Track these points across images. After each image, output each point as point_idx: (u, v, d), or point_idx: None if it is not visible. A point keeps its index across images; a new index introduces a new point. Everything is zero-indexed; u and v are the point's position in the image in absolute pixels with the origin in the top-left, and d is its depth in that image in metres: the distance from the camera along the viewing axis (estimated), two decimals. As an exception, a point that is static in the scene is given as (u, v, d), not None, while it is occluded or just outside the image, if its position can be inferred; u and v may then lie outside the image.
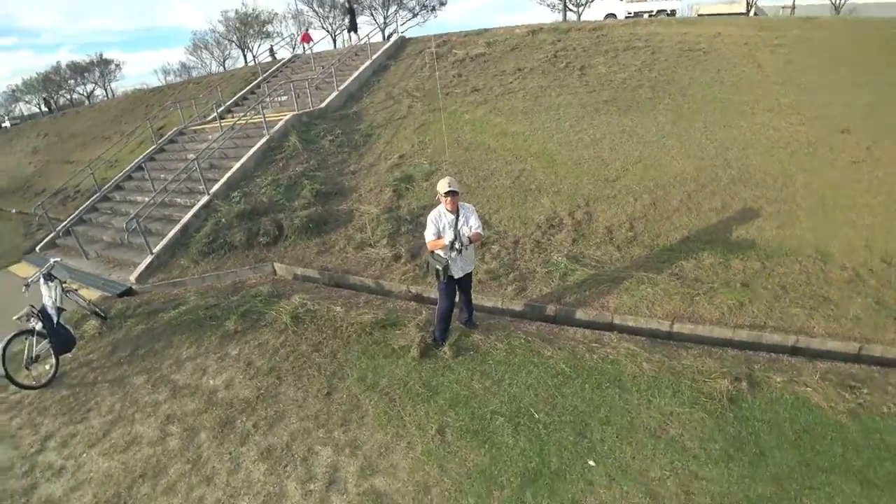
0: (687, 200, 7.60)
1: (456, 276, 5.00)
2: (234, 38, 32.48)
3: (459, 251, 4.72)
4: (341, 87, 13.11)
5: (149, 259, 8.87)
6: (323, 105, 12.55)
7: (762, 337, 5.60)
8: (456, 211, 4.79)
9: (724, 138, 8.74)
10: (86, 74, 40.61)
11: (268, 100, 14.00)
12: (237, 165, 10.39)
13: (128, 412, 5.43)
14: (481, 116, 10.54)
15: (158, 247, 9.05)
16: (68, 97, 39.89)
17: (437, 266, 4.84)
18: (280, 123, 11.45)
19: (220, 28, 35.70)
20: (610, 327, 5.88)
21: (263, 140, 10.99)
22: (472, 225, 4.80)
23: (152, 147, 13.76)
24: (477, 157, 9.24)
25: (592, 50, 12.30)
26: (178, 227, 9.34)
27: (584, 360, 4.99)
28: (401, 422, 4.49)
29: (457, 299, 5.32)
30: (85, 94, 39.73)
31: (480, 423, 4.33)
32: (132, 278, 8.68)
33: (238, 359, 5.81)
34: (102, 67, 41.06)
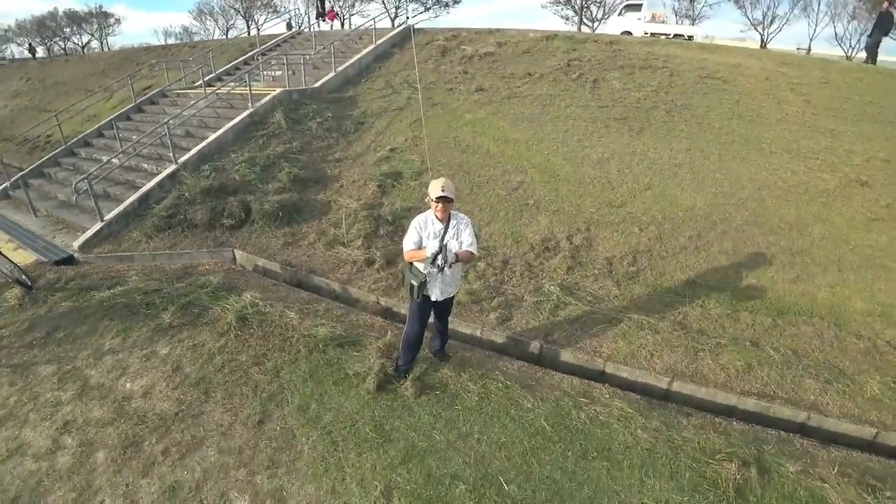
0: (696, 238, 6.82)
1: (434, 298, 4.12)
2: (240, 8, 31.03)
3: (441, 269, 3.83)
4: (339, 69, 12.13)
5: (98, 226, 7.82)
6: (317, 85, 11.55)
7: (770, 409, 4.82)
8: (446, 220, 3.90)
9: (739, 175, 8.01)
10: (83, 25, 38.72)
11: (260, 72, 12.97)
12: (213, 136, 9.36)
13: (22, 410, 4.46)
14: (483, 118, 9.66)
15: (111, 214, 8.00)
16: (62, 45, 37.95)
17: (413, 281, 3.95)
18: (267, 98, 10.43)
19: (230, -2, 34.38)
20: (601, 376, 5.05)
21: (246, 113, 9.97)
22: (463, 241, 3.91)
23: (129, 105, 12.62)
24: (473, 162, 8.36)
25: (608, 64, 11.50)
26: (137, 194, 8.30)
27: (569, 418, 4.14)
28: (340, 473, 3.58)
29: (431, 320, 4.43)
30: (80, 44, 37.81)
31: (436, 490, 3.45)
32: (76, 245, 7.63)
33: (166, 360, 4.86)
34: (101, 20, 39.12)
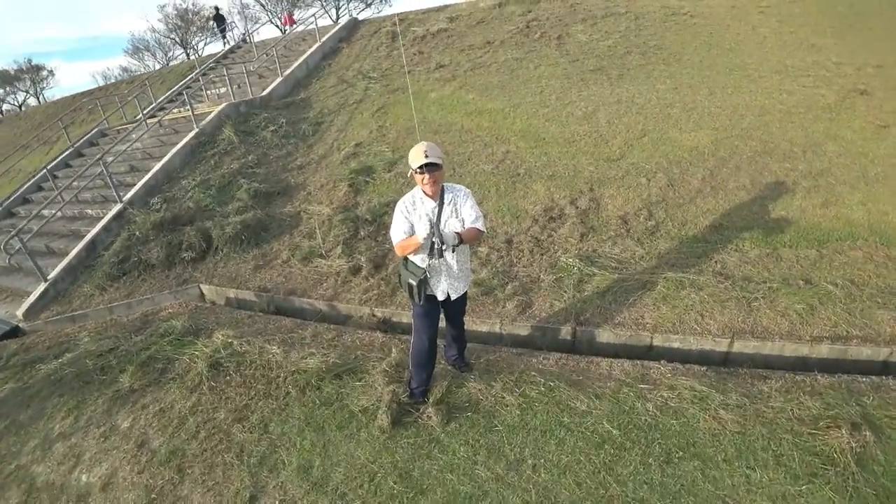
0: (710, 179, 6.01)
1: (441, 297, 3.19)
2: (176, 37, 29.30)
3: (441, 255, 2.86)
4: (286, 73, 11.03)
5: (42, 287, 6.70)
6: (265, 93, 10.46)
7: (848, 352, 4.02)
8: (439, 195, 2.97)
9: (735, 105, 7.22)
10: (16, 83, 36.44)
11: (203, 92, 11.82)
12: (158, 166, 8.24)
13: (-48, 537, 3.44)
14: (450, 94, 8.71)
15: (55, 271, 6.89)
16: (-4, 108, 35.73)
17: (411, 280, 3.01)
18: (212, 115, 9.32)
19: (161, 26, 32.47)
20: (649, 352, 4.20)
21: (191, 135, 8.86)
22: (464, 216, 2.98)
23: (66, 151, 11.37)
24: (449, 140, 7.42)
25: (568, 19, 10.63)
26: (81, 244, 7.18)
27: (635, 413, 3.26)
28: (367, 550, 2.66)
29: (441, 324, 3.48)
30: (17, 103, 35.56)
31: (498, 549, 2.55)
32: (19, 313, 6.51)
33: (128, 436, 3.85)
34: (33, 74, 36.70)
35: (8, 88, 36.14)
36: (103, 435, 3.94)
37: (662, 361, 3.85)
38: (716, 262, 4.92)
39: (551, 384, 3.49)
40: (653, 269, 4.86)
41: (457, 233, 2.84)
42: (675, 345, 4.19)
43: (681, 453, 2.99)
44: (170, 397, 4.09)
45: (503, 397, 3.40)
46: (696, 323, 4.25)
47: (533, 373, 3.64)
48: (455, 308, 3.37)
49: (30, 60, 39.52)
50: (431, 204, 2.94)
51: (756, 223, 5.38)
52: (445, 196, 2.97)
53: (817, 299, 4.36)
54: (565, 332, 4.29)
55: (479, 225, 2.97)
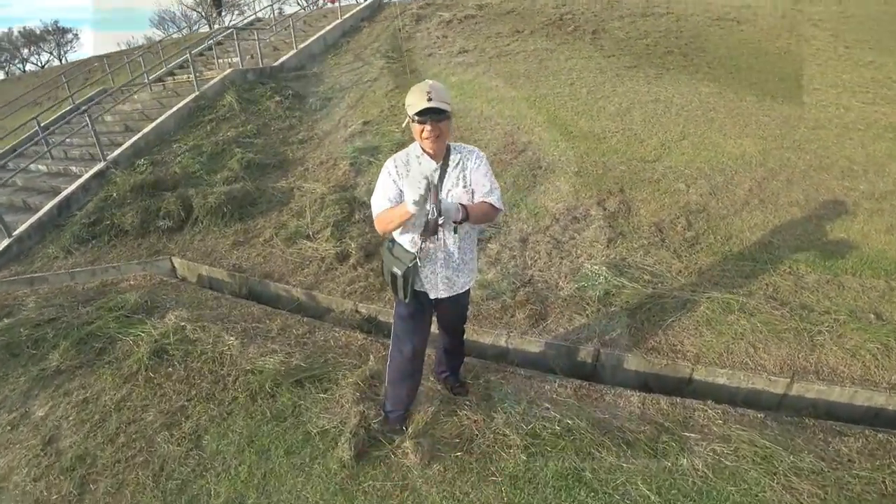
0: (758, 190, 5.14)
1: (434, 295, 2.35)
2: (202, 10, 28.64)
3: (435, 230, 2.03)
4: (301, 46, 10.26)
5: (5, 243, 5.95)
6: (276, 63, 9.69)
7: (935, 407, 3.18)
8: (443, 154, 2.14)
9: (786, 115, 6.35)
10: (40, 44, 36.03)
11: (214, 59, 11.08)
12: (150, 126, 7.48)
13: None
14: (471, 79, 7.88)
15: (22, 228, 6.13)
16: (21, 67, 35.29)
17: (395, 268, 2.16)
18: (216, 80, 8.56)
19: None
20: (686, 386, 3.35)
21: (191, 98, 8.09)
22: (474, 186, 2.16)
23: (67, 108, 10.68)
24: (466, 126, 6.60)
25: (604, 15, 9.78)
26: (54, 202, 6.42)
27: (679, 471, 2.41)
28: None
29: (433, 330, 2.64)
30: (40, 64, 35.14)
31: None
32: (-24, 271, 5.77)
33: (38, 428, 3.06)
34: (58, 37, 36.32)
35: (32, 48, 35.84)
36: (11, 423, 3.16)
37: (710, 402, 2.99)
38: (767, 284, 4.06)
39: (569, 422, 2.63)
40: (693, 286, 4.01)
41: (461, 205, 2.00)
42: (721, 380, 3.33)
43: (741, 539, 2.15)
44: (98, 385, 3.29)
45: (505, 435, 2.55)
46: (747, 355, 3.39)
47: (546, 404, 2.79)
48: (452, 311, 2.53)
49: (56, 22, 39.21)
50: (431, 165, 2.11)
51: (812, 244, 4.52)
52: (451, 157, 2.13)
53: (893, 338, 3.49)
54: (586, 353, 3.44)
55: (495, 200, 2.13)
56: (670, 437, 2.62)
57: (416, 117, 1.95)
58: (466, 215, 1.98)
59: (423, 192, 1.80)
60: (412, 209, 1.87)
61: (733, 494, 2.32)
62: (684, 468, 2.43)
